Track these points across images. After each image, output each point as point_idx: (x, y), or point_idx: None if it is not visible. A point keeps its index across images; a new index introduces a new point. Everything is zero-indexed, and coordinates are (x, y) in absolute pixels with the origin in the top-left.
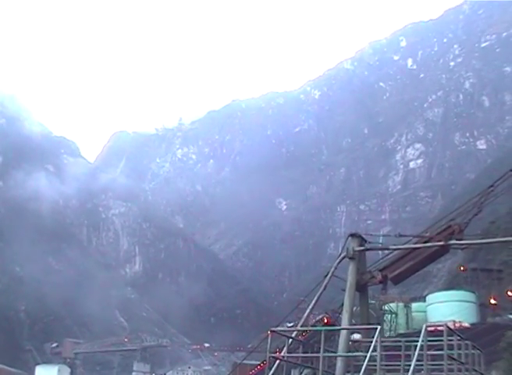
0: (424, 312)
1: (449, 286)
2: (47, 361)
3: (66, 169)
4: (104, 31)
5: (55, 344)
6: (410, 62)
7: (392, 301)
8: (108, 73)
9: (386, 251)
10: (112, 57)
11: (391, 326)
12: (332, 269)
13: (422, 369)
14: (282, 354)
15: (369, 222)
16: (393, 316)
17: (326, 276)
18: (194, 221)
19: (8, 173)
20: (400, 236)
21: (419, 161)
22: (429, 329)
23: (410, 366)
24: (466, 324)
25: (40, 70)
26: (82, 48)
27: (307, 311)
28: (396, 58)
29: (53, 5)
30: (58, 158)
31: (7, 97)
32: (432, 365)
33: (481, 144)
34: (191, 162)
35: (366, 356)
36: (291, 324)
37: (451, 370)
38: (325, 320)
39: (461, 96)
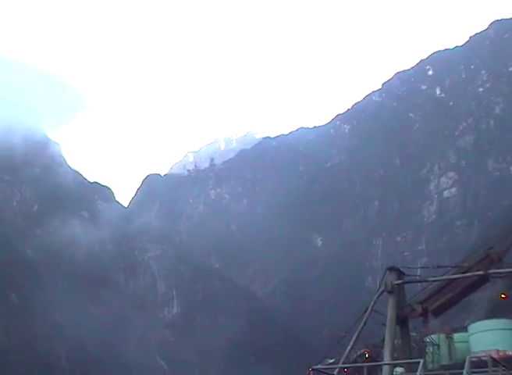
0: (467, 342)
1: (491, 314)
2: None
3: (101, 215)
4: (133, 74)
5: None
6: (438, 90)
7: (434, 333)
8: (139, 116)
9: (425, 283)
10: (140, 101)
11: (433, 358)
12: (372, 304)
13: None
14: None
15: (406, 253)
16: (435, 347)
17: (366, 311)
18: (230, 261)
19: (44, 221)
20: (439, 267)
21: (453, 189)
22: (473, 360)
23: None
24: (510, 353)
25: (71, 117)
26: (111, 93)
27: (349, 347)
28: (423, 87)
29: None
30: (93, 204)
31: (40, 144)
32: None
33: None
34: (224, 201)
35: None
36: (332, 360)
37: None
38: (367, 355)
39: (492, 122)
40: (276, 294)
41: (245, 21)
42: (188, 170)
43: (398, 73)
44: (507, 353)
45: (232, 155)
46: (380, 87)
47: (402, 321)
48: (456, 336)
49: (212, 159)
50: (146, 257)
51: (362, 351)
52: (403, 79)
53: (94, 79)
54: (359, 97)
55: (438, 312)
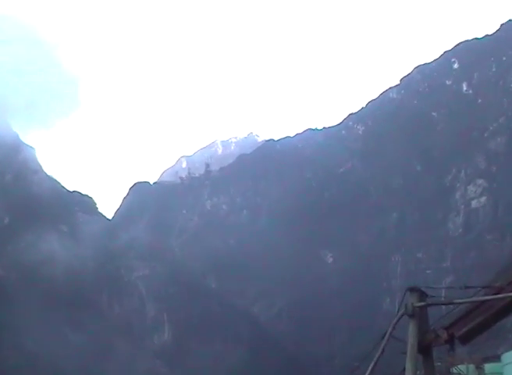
0: (500, 373)
1: None
2: None
3: (82, 228)
4: (118, 69)
5: None
6: (464, 86)
7: (462, 363)
8: (124, 116)
9: (451, 306)
10: (127, 99)
11: None
12: (390, 329)
13: None
14: None
15: (428, 271)
16: None
17: (383, 337)
18: (229, 280)
19: (16, 236)
20: (466, 288)
21: (482, 199)
22: None
23: None
24: None
25: (47, 118)
26: (92, 90)
27: None
28: (448, 82)
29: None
30: (73, 217)
31: (12, 148)
32: None
33: None
34: (222, 213)
35: None
36: None
37: None
38: None
39: None
40: (281, 317)
41: (250, 12)
42: (181, 177)
43: (419, 66)
44: None
45: (230, 161)
46: (398, 82)
47: (425, 349)
48: (488, 366)
49: (208, 165)
50: (133, 276)
51: None
52: (424, 73)
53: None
54: (374, 94)
55: (466, 339)
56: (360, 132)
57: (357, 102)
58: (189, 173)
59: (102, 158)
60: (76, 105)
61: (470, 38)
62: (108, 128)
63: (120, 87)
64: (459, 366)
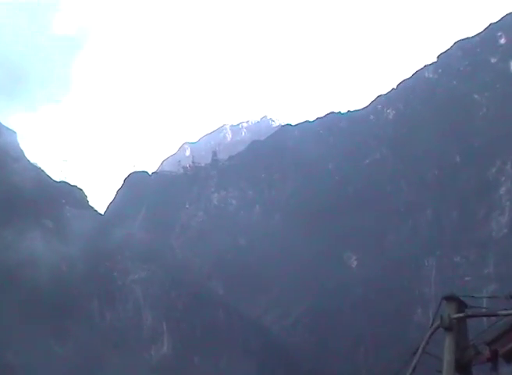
0: None
1: None
2: None
3: (69, 225)
4: (113, 46)
5: None
6: None
7: None
8: (120, 96)
9: (494, 318)
10: (123, 77)
11: None
12: (423, 344)
13: None
14: None
15: (467, 278)
16: None
17: (415, 353)
18: (238, 286)
19: None
20: None
21: None
22: None
23: None
24: None
25: (33, 99)
26: (87, 70)
27: None
28: (493, 60)
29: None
30: (59, 211)
31: None
32: None
33: None
34: (231, 208)
35: None
36: None
37: None
38: None
39: None
40: (298, 328)
41: None
42: (183, 167)
43: (459, 41)
44: None
45: (241, 148)
46: (435, 60)
47: (463, 367)
48: None
49: (215, 153)
50: (128, 280)
51: None
52: (465, 49)
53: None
54: (407, 73)
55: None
56: (390, 117)
57: (386, 83)
58: (193, 162)
59: (94, 145)
60: (67, 84)
61: None
62: (101, 109)
63: (116, 64)
64: None
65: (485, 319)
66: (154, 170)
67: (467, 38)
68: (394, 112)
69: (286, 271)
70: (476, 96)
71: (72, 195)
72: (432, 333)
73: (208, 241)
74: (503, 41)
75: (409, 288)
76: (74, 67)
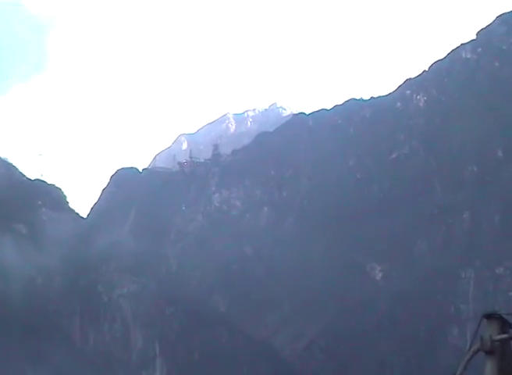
0: None
1: None
2: None
3: (46, 230)
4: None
5: None
6: None
7: None
8: (103, 83)
9: None
10: (110, 60)
11: None
12: (460, 370)
13: None
14: None
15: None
16: None
17: None
18: (243, 302)
19: None
20: None
21: None
22: None
23: None
24: None
25: (2, 80)
26: (65, 47)
27: None
28: None
29: None
30: (34, 214)
31: None
32: None
33: None
34: (235, 211)
35: None
36: None
37: None
38: None
39: None
40: (312, 352)
41: None
42: (180, 163)
43: (501, 15)
44: None
45: (246, 141)
46: (474, 37)
47: None
48: None
49: (216, 147)
50: (115, 295)
51: None
52: (509, 25)
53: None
54: (441, 53)
55: None
56: (421, 104)
57: (417, 64)
58: (190, 157)
59: (74, 136)
60: (41, 65)
61: None
62: (83, 95)
63: (99, 44)
64: None
65: None
66: (145, 166)
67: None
68: (425, 98)
69: (300, 285)
70: None
71: (49, 196)
72: (471, 358)
73: (207, 249)
74: None
75: (443, 305)
76: (48, 47)
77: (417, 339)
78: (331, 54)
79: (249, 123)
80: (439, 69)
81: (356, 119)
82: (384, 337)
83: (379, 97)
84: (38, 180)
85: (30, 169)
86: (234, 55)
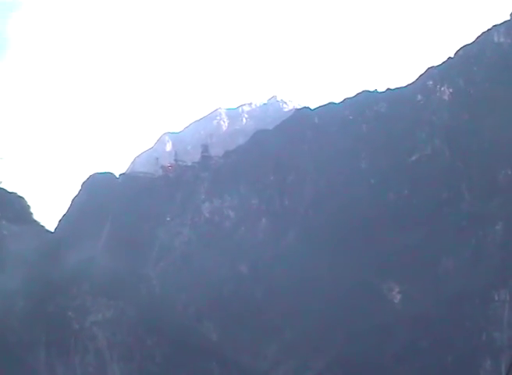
0: None
1: None
2: None
3: (6, 246)
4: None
5: None
6: None
7: None
8: (74, 71)
9: None
10: (79, 42)
11: None
12: None
13: None
14: None
15: None
16: None
17: None
18: (237, 329)
19: None
20: None
21: None
22: None
23: None
24: None
25: None
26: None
27: None
28: None
29: None
30: None
31: None
32: None
33: None
34: (228, 223)
35: None
36: None
37: None
38: None
39: None
40: None
41: None
42: (163, 167)
43: None
44: None
45: (241, 140)
46: (507, 18)
47: None
48: None
49: (206, 147)
50: (87, 322)
51: None
52: None
53: None
54: (468, 38)
55: None
56: (445, 97)
57: (440, 50)
58: (176, 160)
59: (39, 136)
60: (0, 53)
61: None
62: (50, 90)
63: (69, 28)
64: None
65: None
66: (122, 171)
67: None
68: (451, 90)
69: (304, 309)
70: None
71: (9, 206)
72: None
73: (196, 268)
74: None
75: (472, 332)
76: (9, 34)
77: (443, 371)
78: (339, 39)
79: (244, 120)
80: (466, 55)
81: (369, 115)
82: (403, 371)
83: (396, 88)
84: None
85: None
86: (226, 40)
